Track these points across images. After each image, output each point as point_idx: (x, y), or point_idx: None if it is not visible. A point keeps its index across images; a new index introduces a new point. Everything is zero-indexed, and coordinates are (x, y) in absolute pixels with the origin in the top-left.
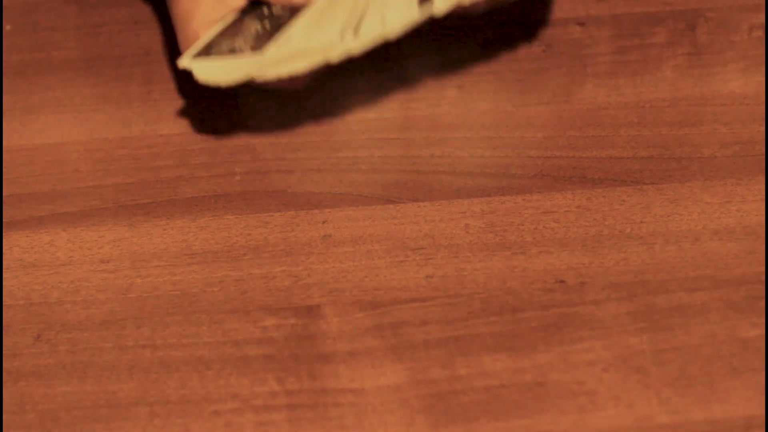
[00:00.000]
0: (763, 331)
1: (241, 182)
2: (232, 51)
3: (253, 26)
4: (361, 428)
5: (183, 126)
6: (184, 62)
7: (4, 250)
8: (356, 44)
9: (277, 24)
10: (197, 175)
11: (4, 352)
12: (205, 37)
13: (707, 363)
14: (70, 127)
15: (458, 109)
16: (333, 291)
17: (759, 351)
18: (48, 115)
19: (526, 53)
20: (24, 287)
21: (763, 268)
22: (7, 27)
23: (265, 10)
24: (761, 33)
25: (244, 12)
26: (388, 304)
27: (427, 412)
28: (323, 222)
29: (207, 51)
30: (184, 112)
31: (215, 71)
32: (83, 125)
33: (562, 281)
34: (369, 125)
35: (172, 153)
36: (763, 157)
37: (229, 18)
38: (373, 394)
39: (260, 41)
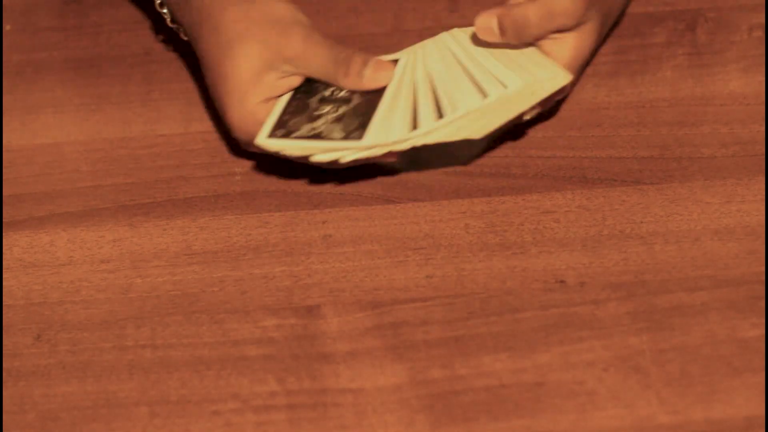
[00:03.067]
0: (763, 331)
1: (241, 182)
2: (318, 135)
3: (325, 108)
4: (361, 428)
5: (183, 126)
6: (262, 141)
7: (4, 250)
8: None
9: (354, 107)
10: (197, 175)
11: (4, 352)
12: (273, 115)
13: (707, 363)
14: (70, 127)
15: None
16: (333, 291)
17: (759, 351)
18: (48, 115)
19: None
20: (24, 287)
21: (763, 268)
22: (7, 27)
23: (326, 92)
24: (761, 33)
25: (300, 91)
26: (388, 304)
27: (427, 412)
28: (323, 222)
29: (288, 134)
30: (183, 112)
31: (301, 151)
32: (83, 125)
33: (562, 281)
34: None
35: (172, 153)
36: (763, 157)
37: (287, 97)
38: (373, 394)
39: (348, 125)
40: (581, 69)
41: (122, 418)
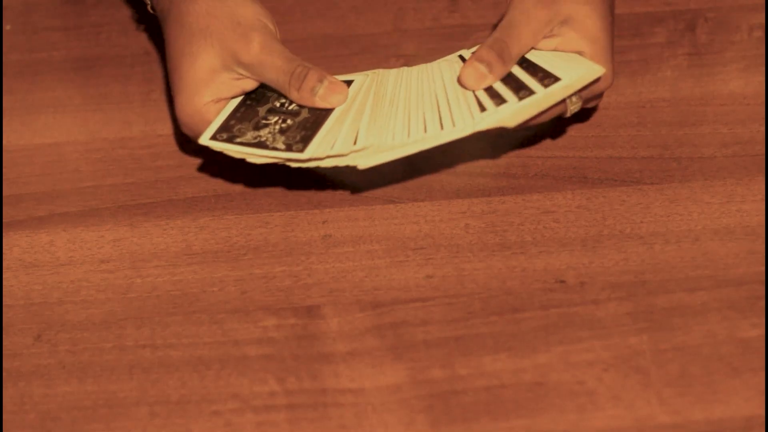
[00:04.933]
0: (763, 331)
1: (241, 182)
2: (261, 143)
3: (272, 119)
4: (361, 428)
5: None
6: (205, 142)
7: (4, 250)
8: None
9: (301, 121)
10: (197, 175)
11: (4, 352)
12: (220, 117)
13: (707, 363)
14: (70, 127)
15: None
16: (333, 291)
17: (759, 351)
18: (48, 115)
19: None
20: (24, 287)
21: (763, 268)
22: (7, 27)
23: (277, 103)
24: (761, 33)
25: (251, 97)
26: (388, 304)
27: (427, 412)
28: (323, 222)
29: (230, 138)
30: None
31: (242, 155)
32: (83, 125)
33: (562, 281)
34: None
35: (172, 153)
36: (763, 157)
37: (237, 100)
38: (373, 394)
39: (291, 138)
40: (608, 51)
41: (122, 418)
